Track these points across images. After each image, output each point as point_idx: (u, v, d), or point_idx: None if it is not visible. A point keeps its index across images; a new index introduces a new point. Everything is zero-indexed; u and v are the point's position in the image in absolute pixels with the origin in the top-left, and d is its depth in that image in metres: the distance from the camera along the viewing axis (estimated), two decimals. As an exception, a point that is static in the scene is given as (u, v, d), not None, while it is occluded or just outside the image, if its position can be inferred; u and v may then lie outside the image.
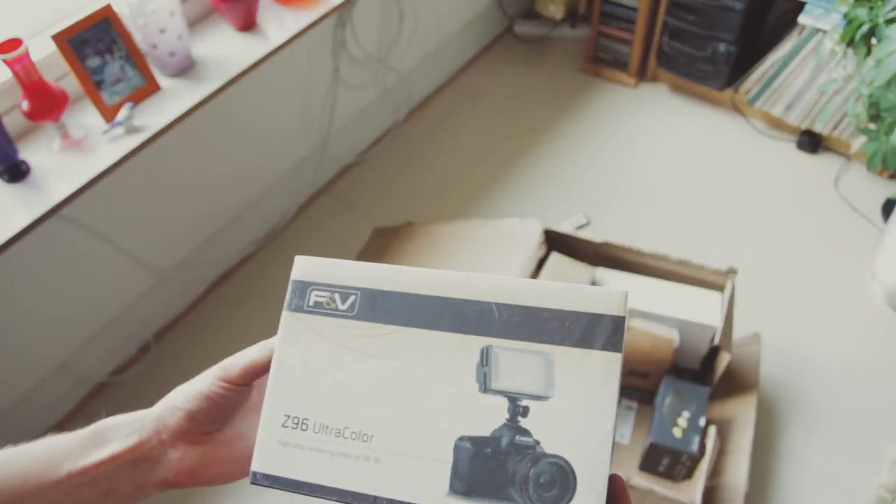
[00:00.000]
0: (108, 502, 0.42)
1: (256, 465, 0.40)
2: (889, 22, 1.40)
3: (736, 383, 1.50)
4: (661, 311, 1.44)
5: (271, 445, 0.40)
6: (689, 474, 1.37)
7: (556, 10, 2.50)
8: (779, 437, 1.58)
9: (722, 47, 2.15)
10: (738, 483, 1.32)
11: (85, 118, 1.38)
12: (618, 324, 0.37)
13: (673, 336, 1.42)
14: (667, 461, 1.37)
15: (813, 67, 2.04)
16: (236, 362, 0.43)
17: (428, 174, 2.21)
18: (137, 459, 0.42)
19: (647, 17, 2.28)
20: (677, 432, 1.35)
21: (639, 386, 1.52)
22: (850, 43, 1.48)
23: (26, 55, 1.20)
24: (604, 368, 0.37)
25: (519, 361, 0.38)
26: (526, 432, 0.37)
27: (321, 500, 0.39)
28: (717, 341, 1.42)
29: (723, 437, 1.41)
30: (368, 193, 2.16)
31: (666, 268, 1.52)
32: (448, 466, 0.37)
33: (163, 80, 1.45)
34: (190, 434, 0.43)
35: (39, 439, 0.43)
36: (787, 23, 2.10)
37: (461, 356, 0.39)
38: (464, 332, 0.39)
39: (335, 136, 2.11)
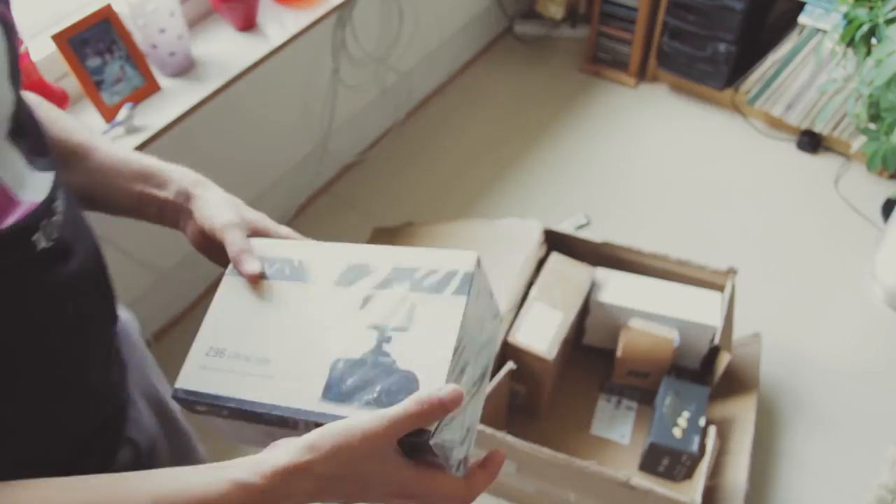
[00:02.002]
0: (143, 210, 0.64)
1: (179, 384, 0.50)
2: (889, 22, 1.40)
3: (736, 383, 1.50)
4: (661, 311, 1.44)
5: (193, 369, 0.51)
6: (689, 474, 1.37)
7: (556, 10, 2.50)
8: (779, 437, 1.58)
9: (722, 47, 2.15)
10: (738, 483, 1.33)
11: (85, 118, 1.37)
12: (468, 276, 0.49)
13: (673, 336, 1.42)
14: (667, 461, 1.37)
15: (813, 67, 2.04)
16: (230, 241, 0.57)
17: (428, 174, 2.21)
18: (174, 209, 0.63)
19: (647, 17, 2.28)
20: (677, 432, 1.35)
21: (639, 386, 1.52)
22: (850, 43, 1.48)
23: (26, 55, 1.20)
24: (451, 308, 0.48)
25: (390, 304, 0.49)
26: (387, 354, 0.47)
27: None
28: (717, 341, 1.42)
29: (723, 437, 1.41)
30: (368, 193, 2.16)
31: (666, 268, 1.52)
32: (324, 380, 0.47)
33: (163, 80, 1.45)
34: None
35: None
36: (787, 23, 2.10)
37: (347, 302, 0.51)
38: (351, 285, 0.51)
39: (335, 135, 2.11)
